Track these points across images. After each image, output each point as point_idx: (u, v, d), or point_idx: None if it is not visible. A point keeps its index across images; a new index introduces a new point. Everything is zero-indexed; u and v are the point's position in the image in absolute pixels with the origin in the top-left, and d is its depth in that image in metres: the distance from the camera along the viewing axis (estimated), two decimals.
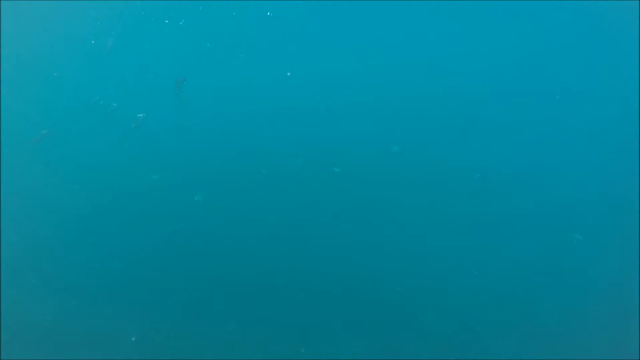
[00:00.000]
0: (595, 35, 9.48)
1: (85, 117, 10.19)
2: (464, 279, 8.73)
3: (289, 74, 9.31)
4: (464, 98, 9.51)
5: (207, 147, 9.86)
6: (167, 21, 9.68)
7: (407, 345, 8.37)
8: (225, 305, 8.98)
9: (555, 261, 8.63)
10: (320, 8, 10.11)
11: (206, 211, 9.51)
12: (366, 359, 8.35)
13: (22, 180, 9.95)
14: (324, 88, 9.78)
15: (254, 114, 9.85)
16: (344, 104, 9.72)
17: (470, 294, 8.63)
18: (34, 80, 10.50)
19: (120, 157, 10.05)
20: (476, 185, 9.05)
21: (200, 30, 10.31)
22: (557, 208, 8.95)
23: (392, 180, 9.39)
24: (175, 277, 9.25)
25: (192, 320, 8.94)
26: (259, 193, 9.52)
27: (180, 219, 9.52)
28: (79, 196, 9.80)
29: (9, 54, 10.31)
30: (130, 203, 9.81)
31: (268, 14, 9.58)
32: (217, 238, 9.50)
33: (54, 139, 10.14)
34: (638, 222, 8.38)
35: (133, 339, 8.60)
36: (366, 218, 9.22)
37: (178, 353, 8.60)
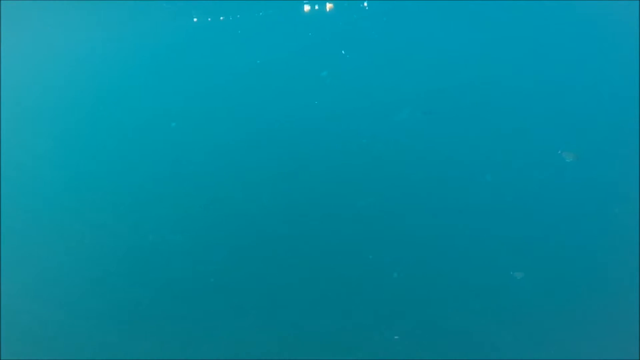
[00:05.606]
0: (595, 35, 9.47)
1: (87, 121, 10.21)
2: (462, 279, 8.73)
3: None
4: (463, 99, 9.52)
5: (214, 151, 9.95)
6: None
7: (406, 346, 8.37)
8: (225, 306, 9.00)
9: (555, 260, 8.63)
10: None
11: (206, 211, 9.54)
12: (366, 359, 8.34)
13: (23, 181, 9.95)
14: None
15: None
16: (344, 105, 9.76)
17: (469, 293, 8.63)
18: (34, 83, 10.51)
19: (121, 160, 10.07)
20: (476, 184, 9.04)
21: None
22: (556, 207, 8.94)
23: (391, 177, 9.39)
24: (174, 278, 9.26)
25: (192, 320, 8.95)
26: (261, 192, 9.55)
27: (180, 217, 9.54)
28: (79, 197, 9.81)
29: (9, 55, 10.31)
30: (130, 204, 9.82)
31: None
32: (216, 240, 9.52)
33: (54, 141, 10.15)
34: (638, 222, 8.37)
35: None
36: (366, 214, 9.23)
37: (178, 353, 8.59)
